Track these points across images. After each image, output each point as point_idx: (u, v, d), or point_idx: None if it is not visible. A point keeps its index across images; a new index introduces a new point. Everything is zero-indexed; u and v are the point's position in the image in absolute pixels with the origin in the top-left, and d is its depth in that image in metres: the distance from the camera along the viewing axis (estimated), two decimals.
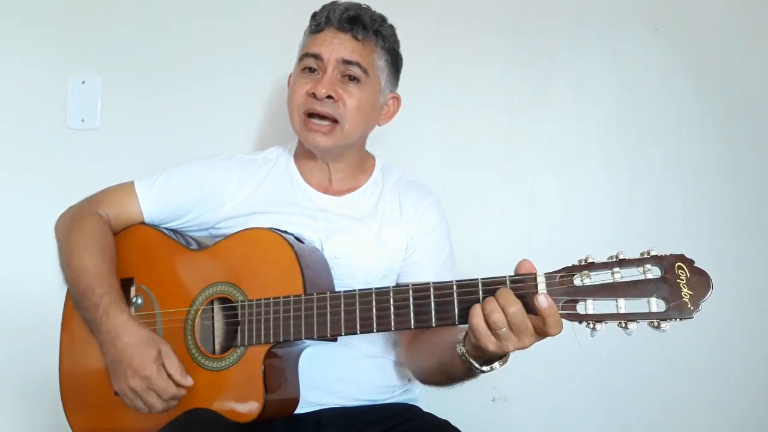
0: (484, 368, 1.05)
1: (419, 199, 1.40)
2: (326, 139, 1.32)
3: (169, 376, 1.15)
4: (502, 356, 1.03)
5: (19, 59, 1.91)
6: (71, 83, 1.88)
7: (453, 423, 1.21)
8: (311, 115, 1.31)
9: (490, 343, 0.97)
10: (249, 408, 1.13)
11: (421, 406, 1.36)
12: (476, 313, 0.97)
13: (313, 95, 1.29)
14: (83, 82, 1.88)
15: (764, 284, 1.66)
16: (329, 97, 1.29)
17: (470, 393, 1.66)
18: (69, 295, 1.36)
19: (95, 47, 1.89)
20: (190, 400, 1.17)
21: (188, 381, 1.15)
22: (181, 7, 1.88)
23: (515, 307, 0.94)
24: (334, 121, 1.31)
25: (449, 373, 1.14)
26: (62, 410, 1.32)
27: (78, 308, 1.27)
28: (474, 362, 1.04)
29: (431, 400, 1.37)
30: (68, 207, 1.39)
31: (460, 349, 1.04)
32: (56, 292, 1.36)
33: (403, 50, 1.70)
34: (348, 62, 1.30)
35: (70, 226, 1.34)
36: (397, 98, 1.45)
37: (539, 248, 1.69)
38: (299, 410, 1.24)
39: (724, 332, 1.66)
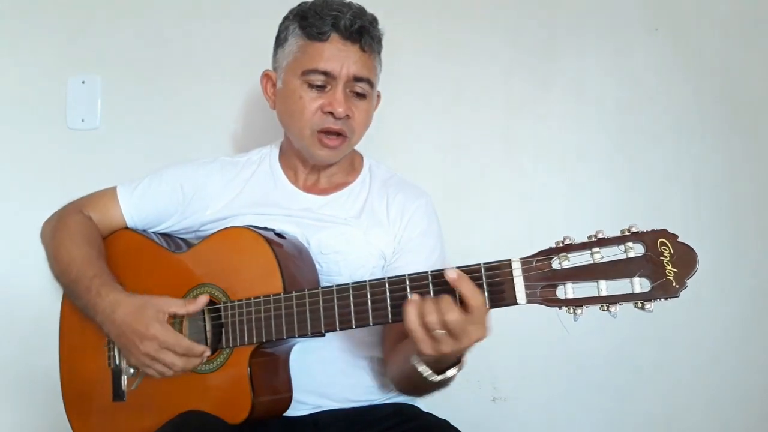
0: (434, 378, 1.07)
1: (408, 202, 1.40)
2: (335, 154, 1.34)
3: (177, 317, 1.18)
4: (455, 364, 1.07)
5: (19, 59, 1.96)
6: (71, 83, 1.93)
7: (453, 423, 1.23)
8: (322, 131, 1.31)
9: (427, 347, 0.99)
10: (238, 409, 1.16)
11: (420, 406, 1.38)
12: (411, 318, 0.99)
13: (330, 113, 1.29)
14: (83, 82, 1.92)
15: (765, 284, 1.71)
16: (346, 115, 1.30)
17: (470, 393, 1.74)
18: (64, 304, 1.40)
19: (95, 47, 1.94)
20: (182, 404, 1.21)
21: (198, 302, 1.19)
22: (181, 7, 1.92)
23: (452, 315, 0.95)
24: (344, 135, 1.33)
25: (415, 383, 1.15)
26: (62, 411, 1.37)
27: (72, 298, 1.31)
28: (424, 367, 1.06)
29: (431, 399, 1.37)
30: (52, 213, 1.43)
31: (414, 357, 1.07)
32: (55, 291, 1.40)
33: (404, 49, 1.76)
34: (358, 79, 1.30)
35: (55, 225, 1.38)
36: (378, 95, 1.44)
37: (539, 248, 1.73)
38: (296, 413, 1.28)
39: (725, 331, 1.71)
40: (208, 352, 1.19)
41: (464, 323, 0.96)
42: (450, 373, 1.07)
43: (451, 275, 0.98)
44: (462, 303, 0.97)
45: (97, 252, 1.32)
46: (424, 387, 1.14)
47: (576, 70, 1.80)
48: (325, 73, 1.28)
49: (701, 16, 1.77)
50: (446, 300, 0.97)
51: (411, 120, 1.83)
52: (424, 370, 1.08)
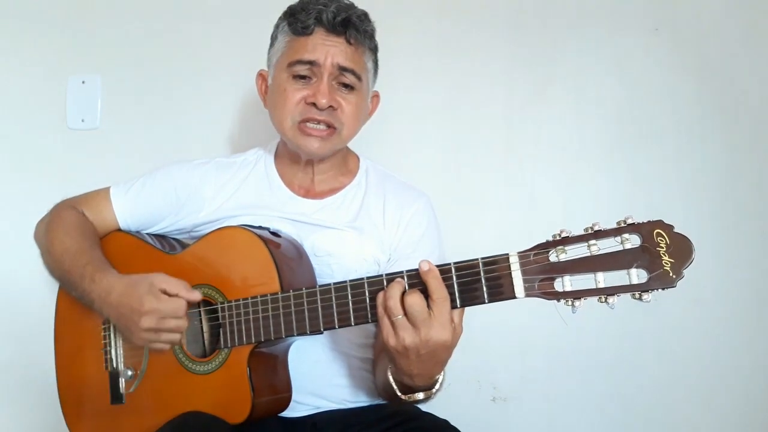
0: (403, 396, 1.11)
1: (405, 206, 1.39)
2: (323, 145, 1.32)
3: (170, 297, 1.17)
4: (427, 388, 1.11)
5: (19, 59, 1.97)
6: (71, 83, 1.94)
7: (452, 423, 1.23)
8: (305, 121, 1.31)
9: (390, 336, 1.01)
10: (238, 409, 1.17)
11: (420, 406, 1.35)
12: (378, 303, 1.02)
13: (313, 105, 1.29)
14: (83, 82, 1.94)
15: (765, 283, 1.72)
16: (330, 106, 1.30)
17: (470, 393, 1.76)
18: (59, 307, 1.41)
19: (95, 47, 1.95)
20: (182, 405, 1.22)
21: (195, 294, 1.19)
22: (181, 7, 1.94)
23: (413, 297, 0.99)
24: (332, 127, 1.32)
25: (390, 396, 1.18)
26: (60, 415, 1.37)
27: (68, 290, 1.32)
28: (393, 380, 1.09)
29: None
30: (45, 213, 1.44)
31: (390, 368, 1.10)
32: (54, 293, 1.41)
33: (403, 49, 1.76)
34: (343, 69, 1.30)
35: (48, 220, 1.39)
36: (376, 96, 1.46)
37: None
38: (294, 414, 1.29)
39: (725, 332, 1.72)
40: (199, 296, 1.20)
41: (425, 312, 0.99)
42: (417, 396, 1.11)
43: (423, 267, 1.00)
44: (429, 298, 1.00)
45: (91, 242, 1.33)
46: (398, 401, 1.16)
47: (576, 70, 1.81)
48: (310, 63, 1.30)
49: (701, 16, 1.78)
50: (411, 289, 1.00)
51: (411, 120, 1.84)
52: (393, 383, 1.11)
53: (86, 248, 1.30)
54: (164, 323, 1.16)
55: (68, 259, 1.29)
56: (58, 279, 1.35)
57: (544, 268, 0.93)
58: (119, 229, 1.42)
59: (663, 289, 0.88)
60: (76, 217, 1.38)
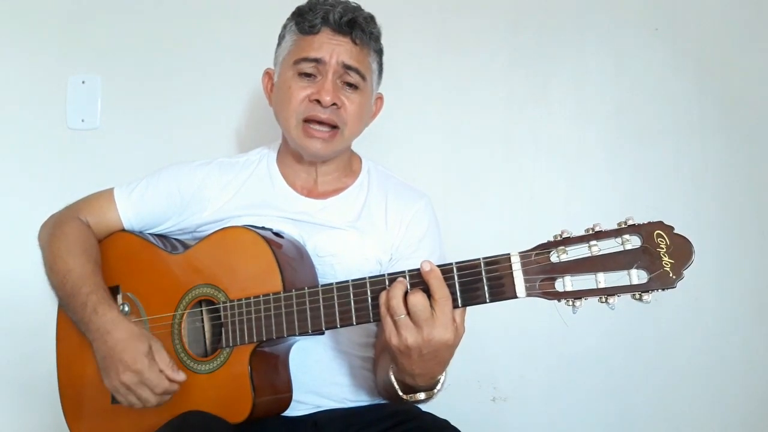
0: (404, 396, 1.13)
1: (407, 206, 1.41)
2: (326, 146, 1.34)
3: (161, 371, 1.18)
4: (428, 389, 1.12)
5: (19, 59, 1.97)
6: (71, 83, 1.94)
7: (453, 423, 1.23)
8: (309, 120, 1.33)
9: (393, 335, 1.02)
10: (239, 408, 1.17)
11: (420, 406, 1.36)
12: (381, 302, 1.04)
13: (317, 102, 1.31)
14: (83, 82, 1.94)
15: (765, 283, 1.73)
16: (333, 104, 1.32)
17: (470, 393, 1.76)
18: (60, 307, 1.40)
19: (95, 47, 1.95)
20: (182, 404, 1.22)
21: (180, 376, 1.19)
22: (181, 7, 1.94)
23: (416, 297, 0.99)
24: (334, 126, 1.33)
25: (390, 395, 1.19)
26: (61, 415, 1.37)
27: (66, 310, 1.32)
28: (394, 380, 1.11)
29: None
30: (50, 216, 1.44)
31: (392, 367, 1.11)
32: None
33: (404, 49, 1.76)
34: (348, 67, 1.32)
35: (52, 231, 1.38)
36: (380, 98, 1.48)
37: None
38: (295, 413, 1.29)
39: (725, 331, 1.73)
40: (176, 387, 1.20)
41: (428, 312, 1.00)
42: (419, 395, 1.12)
43: (424, 267, 1.01)
44: (431, 298, 1.00)
45: (94, 264, 1.33)
46: (399, 401, 1.17)
47: (576, 70, 1.82)
48: (316, 61, 1.32)
49: (701, 16, 1.80)
50: (414, 288, 1.01)
51: (411, 120, 1.85)
52: (394, 383, 1.12)
53: (89, 273, 1.30)
54: (139, 388, 1.17)
55: (70, 283, 1.29)
56: (58, 298, 1.35)
57: (545, 268, 0.94)
58: (123, 230, 1.43)
59: (663, 289, 0.89)
60: (79, 230, 1.38)
